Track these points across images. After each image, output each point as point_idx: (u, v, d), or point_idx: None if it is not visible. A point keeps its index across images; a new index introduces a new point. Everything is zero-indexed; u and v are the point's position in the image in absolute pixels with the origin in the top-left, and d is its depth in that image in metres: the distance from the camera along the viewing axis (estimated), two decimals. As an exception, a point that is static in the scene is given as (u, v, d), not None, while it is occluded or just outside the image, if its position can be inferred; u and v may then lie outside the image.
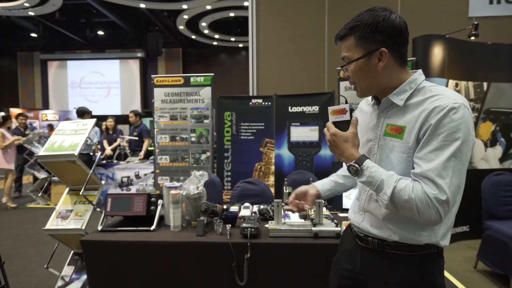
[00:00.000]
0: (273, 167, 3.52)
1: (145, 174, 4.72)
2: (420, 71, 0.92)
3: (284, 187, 1.68)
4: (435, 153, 0.79)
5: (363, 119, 1.01)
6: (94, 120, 2.02)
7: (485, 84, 3.35)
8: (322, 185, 1.24)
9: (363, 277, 0.97)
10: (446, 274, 2.62)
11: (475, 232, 3.21)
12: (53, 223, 1.87)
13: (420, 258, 0.89)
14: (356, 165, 0.85)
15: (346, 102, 0.94)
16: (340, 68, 0.94)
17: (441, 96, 0.82)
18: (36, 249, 3.23)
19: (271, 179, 3.53)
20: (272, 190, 3.37)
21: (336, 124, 0.92)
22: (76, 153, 1.79)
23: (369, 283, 0.95)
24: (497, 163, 3.41)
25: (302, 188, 1.22)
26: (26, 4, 9.12)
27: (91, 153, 4.69)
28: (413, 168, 0.84)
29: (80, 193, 1.83)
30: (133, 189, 4.70)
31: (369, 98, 1.02)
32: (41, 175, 5.21)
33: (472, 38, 3.22)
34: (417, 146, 0.83)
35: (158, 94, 3.63)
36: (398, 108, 0.90)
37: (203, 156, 3.58)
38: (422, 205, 0.78)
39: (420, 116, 0.83)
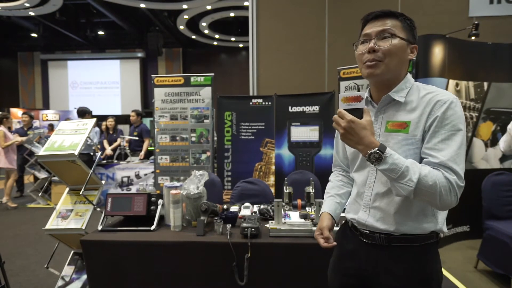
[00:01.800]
0: (273, 167, 3.51)
1: (145, 174, 4.72)
2: (409, 73, 1.01)
3: (285, 187, 1.68)
4: (445, 143, 0.86)
5: None
6: (94, 120, 2.02)
7: (485, 84, 3.34)
8: (336, 213, 1.14)
9: (367, 273, 0.99)
10: (447, 274, 2.61)
11: (475, 232, 3.21)
12: (53, 223, 1.87)
13: (423, 249, 0.94)
14: (380, 152, 0.84)
15: (359, 90, 0.92)
16: (373, 38, 0.93)
17: (438, 92, 0.92)
18: (36, 249, 3.23)
19: (271, 179, 3.52)
20: (273, 190, 3.36)
21: (349, 111, 0.88)
22: (76, 152, 1.79)
23: (374, 278, 0.98)
24: (498, 163, 3.40)
25: (326, 225, 1.07)
26: (27, 4, 9.12)
27: (92, 153, 4.69)
28: (421, 158, 0.90)
29: (80, 193, 1.83)
30: (133, 189, 4.70)
31: None
32: (42, 175, 5.21)
33: (473, 38, 3.22)
34: (424, 137, 0.90)
35: (158, 94, 3.63)
36: (396, 105, 0.96)
37: (203, 156, 3.58)
38: (445, 190, 0.83)
39: (425, 111, 0.90)
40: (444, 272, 2.63)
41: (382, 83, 0.98)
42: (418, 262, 0.94)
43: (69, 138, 1.89)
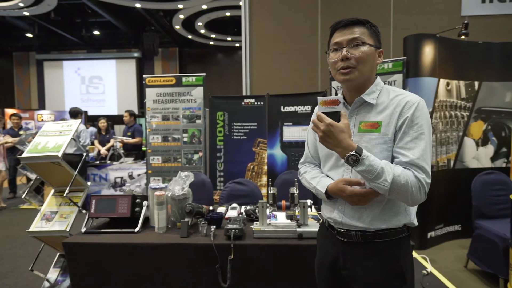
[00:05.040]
0: (265, 167, 3.50)
1: (139, 175, 4.69)
2: (378, 77, 1.06)
3: (269, 188, 1.67)
4: (414, 142, 0.92)
5: None
6: (79, 121, 2.00)
7: (476, 83, 3.35)
8: None
9: (347, 271, 1.02)
10: (437, 273, 2.61)
11: (466, 231, 3.21)
12: (37, 225, 1.85)
13: (397, 243, 0.98)
14: (357, 154, 0.88)
15: (336, 93, 0.93)
16: (344, 46, 0.96)
17: (407, 94, 0.98)
18: (26, 250, 3.21)
19: (264, 179, 3.52)
20: (264, 190, 3.35)
21: (327, 115, 0.91)
22: (60, 154, 1.77)
23: (352, 276, 1.01)
24: (489, 162, 3.41)
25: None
26: (21, 4, 9.05)
27: (84, 154, 4.66)
28: (393, 157, 0.94)
29: (64, 195, 1.81)
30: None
31: None
32: (34, 176, 5.17)
33: (463, 37, 3.22)
34: (395, 137, 0.94)
35: (150, 94, 3.61)
36: (368, 107, 1.00)
37: (196, 156, 3.57)
38: (415, 188, 0.89)
39: (395, 111, 0.95)
40: (434, 271, 2.63)
41: (355, 87, 1.02)
42: (392, 257, 0.98)
43: (53, 139, 1.87)
